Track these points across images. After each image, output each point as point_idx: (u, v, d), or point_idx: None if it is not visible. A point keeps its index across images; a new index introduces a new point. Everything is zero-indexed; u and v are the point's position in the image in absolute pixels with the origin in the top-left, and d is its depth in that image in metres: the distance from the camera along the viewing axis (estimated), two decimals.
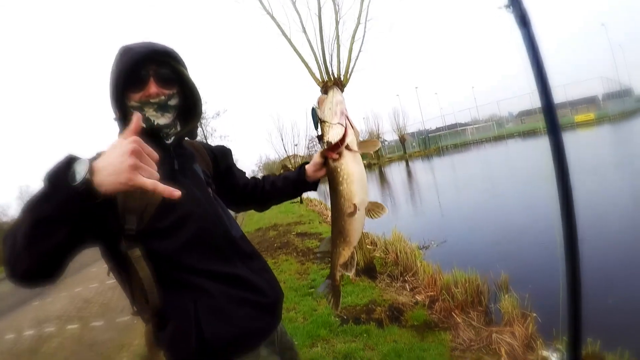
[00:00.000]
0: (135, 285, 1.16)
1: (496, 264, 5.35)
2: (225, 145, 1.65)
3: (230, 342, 1.21)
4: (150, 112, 1.23)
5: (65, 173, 0.86)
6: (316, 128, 1.35)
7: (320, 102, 1.34)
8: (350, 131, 1.31)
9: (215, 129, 25.70)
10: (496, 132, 51.25)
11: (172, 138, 1.29)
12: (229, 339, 1.20)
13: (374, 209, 1.37)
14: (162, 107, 1.25)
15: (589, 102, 46.61)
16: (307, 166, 1.54)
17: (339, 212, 1.34)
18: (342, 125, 1.29)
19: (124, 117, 1.21)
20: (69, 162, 0.87)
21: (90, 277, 9.85)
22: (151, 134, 1.23)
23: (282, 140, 24.12)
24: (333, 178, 1.34)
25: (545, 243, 5.91)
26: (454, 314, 4.31)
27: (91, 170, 0.86)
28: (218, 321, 1.19)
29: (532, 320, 3.79)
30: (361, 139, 1.38)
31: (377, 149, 1.42)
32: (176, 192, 0.90)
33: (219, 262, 1.26)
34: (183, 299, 1.18)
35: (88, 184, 0.85)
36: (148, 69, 1.22)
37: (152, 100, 1.22)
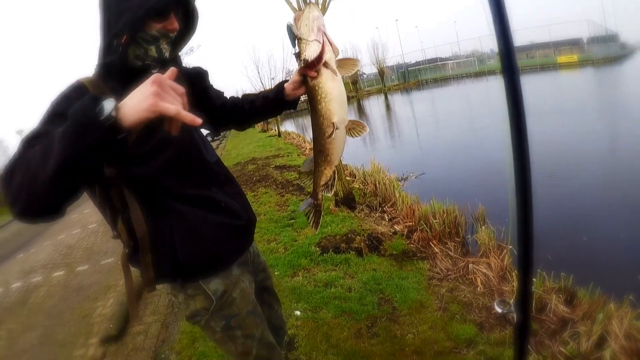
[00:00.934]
0: (115, 210, 1.22)
1: (474, 197, 5.40)
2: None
3: (202, 263, 1.29)
4: (164, 45, 1.24)
5: (93, 111, 0.83)
6: (293, 45, 1.28)
7: (296, 18, 1.27)
8: (328, 48, 1.25)
9: (189, 65, 24.86)
10: (477, 68, 50.56)
11: (157, 68, 1.26)
12: (202, 260, 1.29)
13: (354, 128, 1.35)
14: (172, 42, 1.28)
15: (573, 44, 45.87)
16: (286, 84, 1.50)
17: (318, 131, 1.32)
18: (319, 42, 1.23)
19: (131, 41, 1.18)
20: (94, 101, 0.85)
21: (72, 224, 9.76)
22: (162, 65, 1.25)
23: (259, 73, 23.19)
24: (312, 97, 1.30)
25: None
26: (431, 244, 4.37)
27: (116, 107, 0.85)
28: (192, 243, 1.26)
29: (507, 252, 3.86)
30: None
31: (357, 69, 1.34)
32: (198, 120, 0.89)
33: (195, 186, 1.31)
34: (159, 222, 1.24)
35: (114, 119, 0.83)
36: (172, 2, 1.22)
37: (170, 34, 1.24)
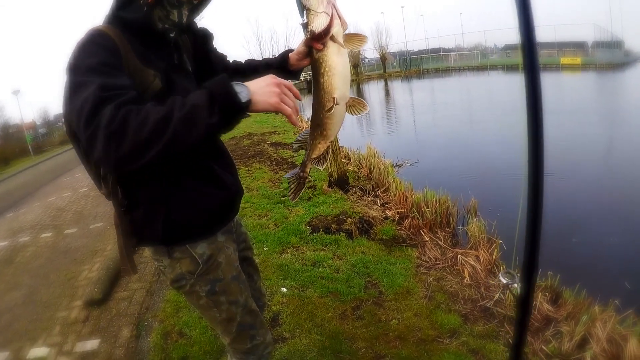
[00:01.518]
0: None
1: (467, 189, 5.39)
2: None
3: (192, 228, 1.33)
4: (185, 10, 1.28)
5: (236, 93, 0.99)
6: (301, 16, 1.27)
7: None
8: (336, 21, 1.24)
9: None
10: (479, 62, 50.16)
11: (174, 32, 1.32)
12: (192, 225, 1.32)
13: (355, 105, 1.34)
14: (192, 8, 1.32)
15: (578, 46, 45.44)
16: (290, 54, 1.51)
17: (318, 104, 1.31)
18: (327, 14, 1.22)
19: (156, 4, 1.22)
20: (230, 82, 1.00)
21: (64, 187, 9.78)
22: (179, 29, 1.32)
23: (260, 49, 22.94)
24: (315, 69, 1.29)
25: (515, 174, 6.00)
26: (422, 232, 4.37)
27: (250, 91, 1.03)
28: (185, 209, 1.29)
29: (497, 246, 3.88)
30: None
31: (364, 45, 1.33)
32: (299, 123, 1.18)
33: (192, 154, 1.31)
34: (156, 187, 1.27)
35: (249, 103, 1.02)
36: None
37: (194, 1, 1.30)
